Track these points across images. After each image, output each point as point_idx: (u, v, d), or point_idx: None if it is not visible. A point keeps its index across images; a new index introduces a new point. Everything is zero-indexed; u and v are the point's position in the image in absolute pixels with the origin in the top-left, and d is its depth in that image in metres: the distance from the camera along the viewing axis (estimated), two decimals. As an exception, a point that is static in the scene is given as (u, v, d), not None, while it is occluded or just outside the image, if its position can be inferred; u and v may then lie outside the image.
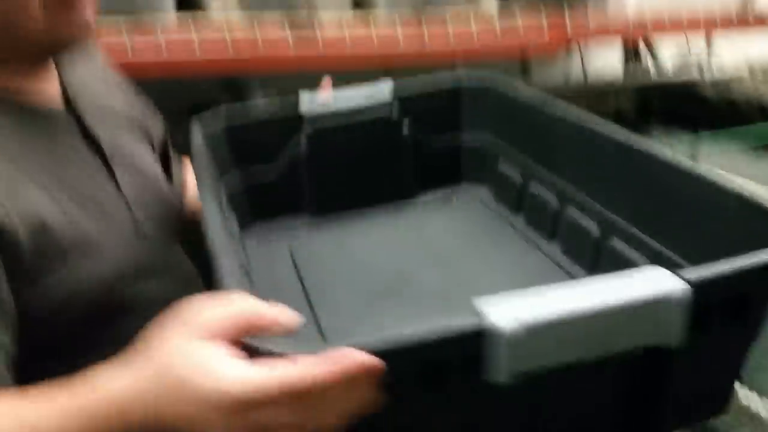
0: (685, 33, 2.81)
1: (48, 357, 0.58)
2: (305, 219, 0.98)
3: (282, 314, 0.43)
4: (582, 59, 3.14)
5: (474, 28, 1.77)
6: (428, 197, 1.01)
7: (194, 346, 0.42)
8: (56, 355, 0.58)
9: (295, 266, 0.86)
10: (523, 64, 3.00)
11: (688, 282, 0.44)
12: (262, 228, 0.95)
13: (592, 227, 0.75)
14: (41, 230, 0.59)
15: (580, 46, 3.09)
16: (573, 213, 0.79)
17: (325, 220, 0.98)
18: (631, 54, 3.24)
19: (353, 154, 0.99)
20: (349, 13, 1.68)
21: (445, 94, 0.99)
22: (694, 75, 3.07)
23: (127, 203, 0.70)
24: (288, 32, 1.55)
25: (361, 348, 0.39)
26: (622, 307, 0.44)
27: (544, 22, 1.86)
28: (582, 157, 0.79)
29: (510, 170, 0.91)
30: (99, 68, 0.85)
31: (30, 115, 0.68)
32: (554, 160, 0.84)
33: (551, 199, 0.83)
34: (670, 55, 3.24)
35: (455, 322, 0.42)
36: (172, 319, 0.44)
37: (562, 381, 0.46)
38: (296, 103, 0.94)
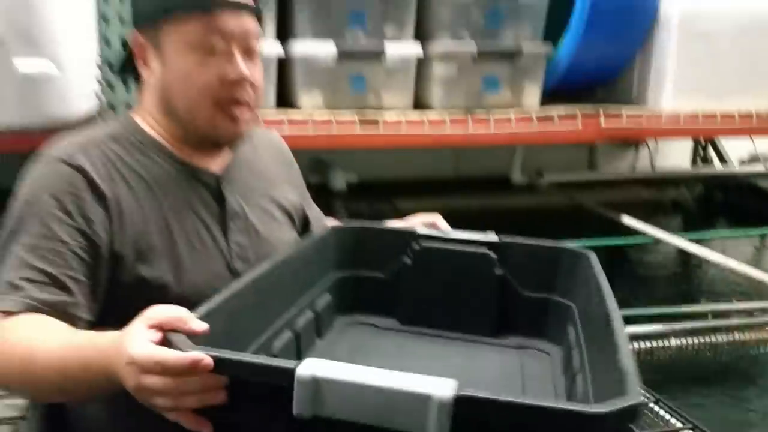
0: (699, 136, 2.98)
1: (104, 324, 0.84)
2: (392, 323, 1.12)
3: (195, 323, 0.70)
4: (650, 153, 3.39)
5: (513, 117, 2.16)
6: (505, 341, 1.07)
7: (137, 327, 0.69)
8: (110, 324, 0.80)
9: (350, 348, 1.04)
10: (590, 155, 3.31)
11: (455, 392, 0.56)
12: (356, 317, 1.13)
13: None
14: (146, 250, 0.91)
15: (647, 142, 3.35)
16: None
17: (407, 331, 1.11)
18: (699, 150, 3.43)
19: (449, 278, 1.09)
20: (409, 113, 2.12)
21: (546, 255, 1.06)
22: (759, 171, 3.20)
23: (228, 249, 0.98)
24: (356, 118, 2.02)
25: (212, 355, 0.61)
26: (393, 391, 0.58)
27: (579, 115, 2.21)
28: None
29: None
30: (269, 148, 1.14)
31: (185, 171, 0.98)
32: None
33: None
34: (738, 154, 3.40)
35: (280, 364, 0.61)
36: (139, 317, 0.71)
37: None
38: (413, 229, 1.12)
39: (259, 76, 1.00)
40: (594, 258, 0.99)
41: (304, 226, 1.17)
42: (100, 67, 1.81)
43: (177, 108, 0.96)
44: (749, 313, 1.95)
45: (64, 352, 0.79)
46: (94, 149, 0.94)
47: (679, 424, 1.19)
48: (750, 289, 2.21)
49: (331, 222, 1.24)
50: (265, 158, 1.14)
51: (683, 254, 2.58)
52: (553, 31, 2.21)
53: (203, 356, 0.63)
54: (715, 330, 1.82)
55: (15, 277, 0.86)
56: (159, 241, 0.94)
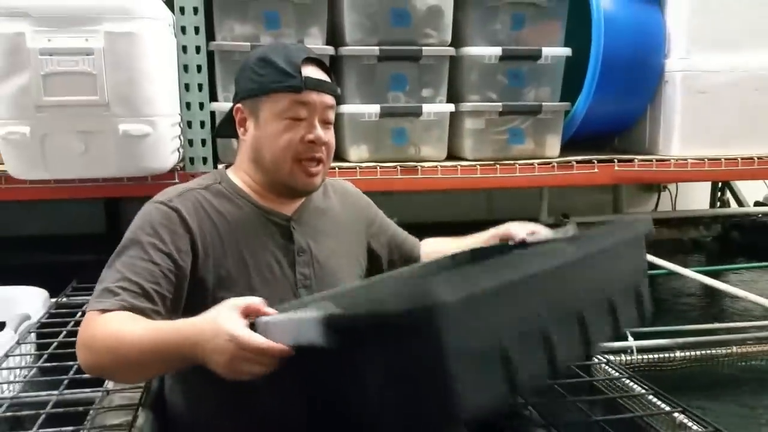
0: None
1: None
2: None
3: (270, 310, 0.91)
4: (671, 195, 3.61)
5: (536, 164, 2.42)
6: None
7: (227, 311, 0.91)
8: None
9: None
10: (615, 199, 3.54)
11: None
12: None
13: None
14: (225, 277, 1.12)
15: (667, 186, 3.57)
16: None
17: None
18: (718, 192, 3.63)
19: None
20: (444, 163, 2.39)
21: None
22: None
23: (293, 278, 1.18)
24: (398, 167, 2.31)
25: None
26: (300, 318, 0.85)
27: (595, 162, 2.46)
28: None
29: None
30: (340, 195, 1.33)
31: (261, 214, 1.19)
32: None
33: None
34: (756, 196, 3.59)
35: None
36: (225, 303, 0.94)
37: None
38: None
39: (333, 140, 1.22)
40: (648, 224, 1.10)
41: (390, 249, 1.38)
42: (182, 128, 2.14)
43: (265, 159, 1.18)
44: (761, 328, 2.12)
45: (147, 334, 0.98)
46: (188, 195, 1.16)
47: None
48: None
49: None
50: (335, 204, 1.33)
51: (704, 288, 2.76)
52: (570, 87, 2.48)
53: (286, 348, 0.87)
54: (726, 343, 1.98)
55: (113, 286, 1.06)
56: (235, 270, 1.14)
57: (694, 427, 1.23)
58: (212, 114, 2.18)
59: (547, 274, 0.88)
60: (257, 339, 0.88)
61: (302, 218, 1.25)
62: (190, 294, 1.12)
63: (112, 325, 1.02)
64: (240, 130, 1.23)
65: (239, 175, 1.24)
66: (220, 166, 1.34)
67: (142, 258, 1.09)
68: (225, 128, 1.30)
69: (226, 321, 0.91)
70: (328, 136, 1.20)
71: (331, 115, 1.21)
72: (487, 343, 0.77)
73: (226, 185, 1.22)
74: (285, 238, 1.21)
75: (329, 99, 1.19)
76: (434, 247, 1.45)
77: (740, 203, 3.53)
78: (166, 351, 0.97)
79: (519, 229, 1.28)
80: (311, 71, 1.18)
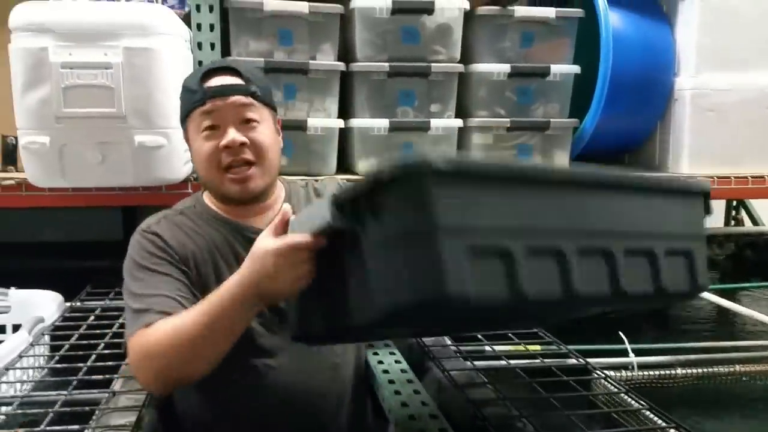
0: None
1: None
2: None
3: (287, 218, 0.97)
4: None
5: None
6: None
7: (263, 240, 0.97)
8: None
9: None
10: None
11: None
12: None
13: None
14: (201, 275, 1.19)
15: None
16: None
17: None
18: (732, 210, 3.62)
19: None
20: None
21: None
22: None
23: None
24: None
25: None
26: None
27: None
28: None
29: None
30: (311, 198, 1.37)
31: (236, 230, 1.25)
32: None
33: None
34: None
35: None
36: (258, 239, 0.99)
37: None
38: None
39: (260, 136, 1.22)
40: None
41: None
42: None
43: (201, 177, 1.26)
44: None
45: (202, 310, 1.01)
46: (164, 222, 1.24)
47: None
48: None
49: None
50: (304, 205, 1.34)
51: (714, 307, 2.76)
52: (579, 104, 2.51)
53: (311, 240, 0.90)
54: (730, 361, 1.98)
55: (141, 306, 1.11)
56: (215, 288, 1.10)
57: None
58: (226, 127, 2.23)
59: (571, 184, 0.79)
60: (290, 240, 0.93)
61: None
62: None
63: (162, 328, 1.05)
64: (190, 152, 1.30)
65: (208, 197, 1.32)
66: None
67: (152, 274, 1.15)
68: None
69: (264, 245, 0.95)
70: (252, 134, 1.22)
71: (250, 114, 1.22)
72: (486, 232, 0.71)
73: (201, 208, 1.29)
74: None
75: (240, 98, 1.21)
76: None
77: (755, 222, 3.51)
78: (230, 310, 0.99)
79: None
80: (216, 80, 1.21)
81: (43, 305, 1.92)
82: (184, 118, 1.26)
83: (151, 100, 1.89)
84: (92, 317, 1.86)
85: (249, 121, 1.22)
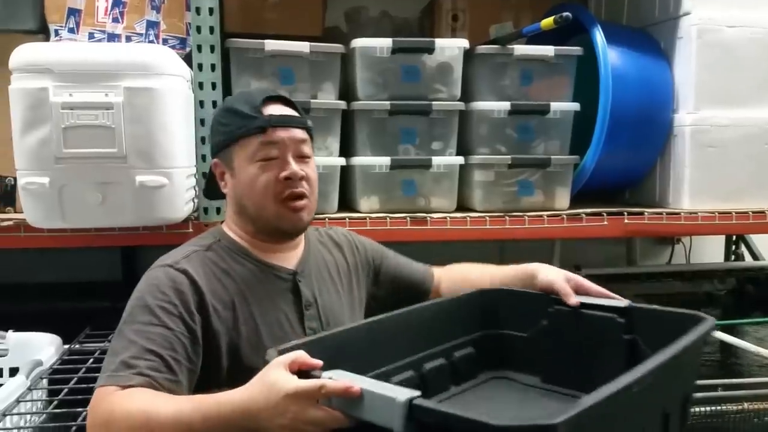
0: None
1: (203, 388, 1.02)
2: (534, 380, 1.22)
3: (314, 361, 0.86)
4: (685, 248, 3.59)
5: (545, 216, 2.44)
6: None
7: (278, 371, 0.85)
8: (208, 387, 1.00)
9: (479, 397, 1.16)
10: (628, 252, 3.53)
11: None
12: (502, 372, 1.26)
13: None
14: (236, 337, 1.08)
15: (681, 239, 3.56)
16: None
17: (543, 388, 1.21)
18: (732, 246, 3.61)
19: (580, 338, 1.17)
20: (454, 214, 2.42)
21: (672, 320, 1.12)
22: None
23: (302, 333, 1.14)
24: (407, 217, 2.34)
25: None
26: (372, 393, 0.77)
27: (604, 215, 2.47)
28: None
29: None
30: (336, 243, 1.33)
31: (266, 270, 1.17)
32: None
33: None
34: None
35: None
36: (270, 364, 0.88)
37: None
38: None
39: (313, 173, 1.19)
40: (712, 322, 1.06)
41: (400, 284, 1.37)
42: (197, 179, 2.20)
43: (248, 207, 1.17)
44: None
45: (184, 411, 0.88)
46: (194, 257, 1.14)
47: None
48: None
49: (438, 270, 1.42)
50: (333, 251, 1.33)
51: (717, 343, 2.73)
52: (580, 140, 2.51)
53: (355, 385, 0.81)
54: (737, 399, 1.94)
55: (128, 357, 0.98)
56: (246, 330, 1.11)
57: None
58: (227, 165, 2.22)
59: (646, 378, 0.84)
60: (316, 381, 0.83)
61: (305, 270, 1.24)
62: (203, 358, 1.08)
63: (136, 402, 0.92)
64: (221, 185, 1.23)
65: (234, 231, 1.23)
66: (218, 224, 1.31)
67: (153, 323, 1.03)
68: (211, 188, 1.30)
69: (277, 380, 0.85)
70: (307, 170, 1.18)
71: (306, 149, 1.19)
72: None
73: (226, 242, 1.20)
74: (293, 293, 1.20)
75: (299, 133, 1.18)
76: (459, 275, 1.42)
77: (755, 257, 3.50)
78: (211, 428, 0.88)
79: (562, 284, 1.24)
80: (275, 109, 1.17)
81: (42, 348, 1.89)
82: (230, 143, 1.17)
83: (153, 140, 1.88)
84: (91, 360, 1.83)
85: (303, 156, 1.19)
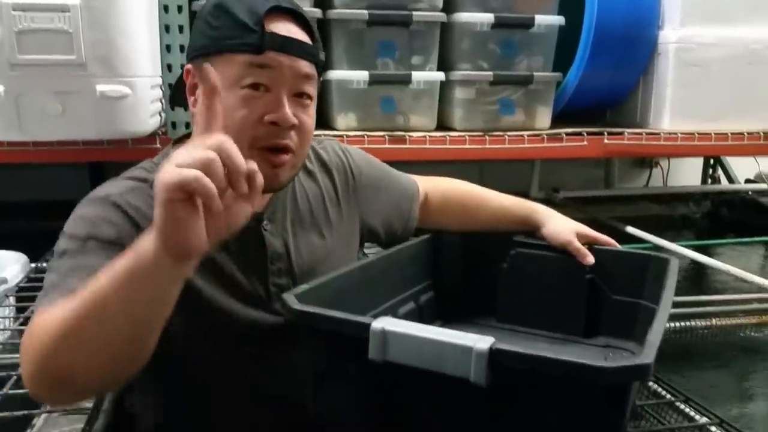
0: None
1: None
2: (490, 321, 1.21)
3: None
4: (663, 171, 3.59)
5: (525, 136, 2.39)
6: (593, 342, 1.11)
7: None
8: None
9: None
10: (606, 174, 3.52)
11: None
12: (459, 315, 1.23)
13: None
14: (193, 291, 0.87)
15: (659, 162, 3.55)
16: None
17: (502, 328, 1.20)
18: (709, 169, 3.62)
19: (542, 281, 1.16)
20: (433, 133, 2.36)
21: (635, 261, 1.12)
22: (762, 188, 3.38)
23: (267, 294, 0.94)
24: (386, 136, 2.27)
25: (312, 312, 0.80)
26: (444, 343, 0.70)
27: (585, 135, 2.43)
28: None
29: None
30: (326, 167, 1.09)
31: None
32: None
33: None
34: (747, 173, 3.57)
35: (360, 318, 0.76)
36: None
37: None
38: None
39: (309, 121, 0.92)
40: (675, 263, 1.05)
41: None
42: (163, 90, 2.09)
43: None
44: (745, 302, 2.09)
45: (93, 286, 0.68)
46: (131, 193, 0.91)
47: (705, 420, 1.17)
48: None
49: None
50: (320, 177, 1.08)
51: (691, 263, 2.75)
52: (562, 60, 2.44)
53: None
54: (706, 315, 1.95)
55: (53, 299, 0.78)
56: (201, 283, 0.91)
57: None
58: (195, 77, 2.11)
59: None
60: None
61: (276, 214, 1.00)
62: None
63: (53, 312, 0.73)
64: (190, 99, 0.93)
65: None
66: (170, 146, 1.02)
67: (81, 256, 0.85)
68: (179, 96, 1.00)
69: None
70: (302, 116, 0.91)
71: (308, 88, 0.92)
72: None
73: None
74: (255, 243, 0.96)
75: (305, 66, 0.90)
76: (456, 202, 1.27)
77: (731, 180, 3.51)
78: (125, 280, 0.67)
79: (576, 245, 1.16)
80: (282, 26, 0.89)
81: (7, 265, 1.82)
82: (213, 53, 0.89)
83: (113, 46, 1.77)
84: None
85: (303, 95, 0.92)
